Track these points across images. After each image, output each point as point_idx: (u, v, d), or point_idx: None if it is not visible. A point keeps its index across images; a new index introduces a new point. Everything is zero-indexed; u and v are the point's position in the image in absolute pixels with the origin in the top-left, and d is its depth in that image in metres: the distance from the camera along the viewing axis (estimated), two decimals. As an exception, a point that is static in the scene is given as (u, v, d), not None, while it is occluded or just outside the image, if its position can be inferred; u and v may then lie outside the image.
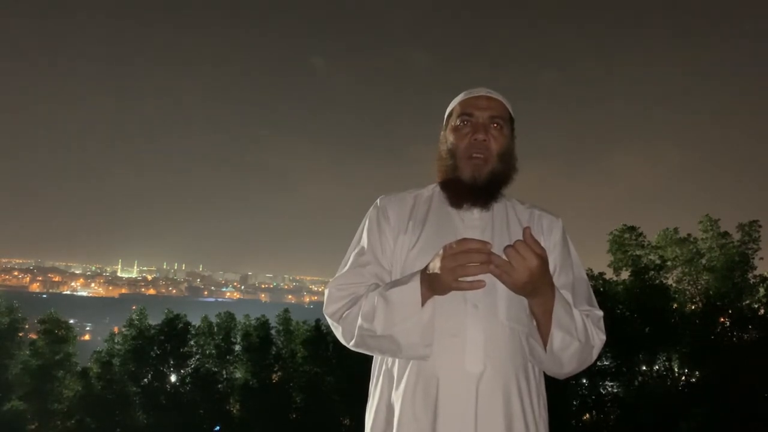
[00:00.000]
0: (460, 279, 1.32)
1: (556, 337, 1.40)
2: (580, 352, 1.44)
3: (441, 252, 1.34)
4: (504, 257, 1.30)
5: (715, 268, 21.40)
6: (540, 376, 1.53)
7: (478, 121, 1.59)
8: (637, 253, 22.23)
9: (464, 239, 1.32)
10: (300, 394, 23.13)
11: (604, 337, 1.50)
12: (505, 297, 1.46)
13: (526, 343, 1.48)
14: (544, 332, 1.42)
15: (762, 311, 21.31)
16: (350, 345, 1.52)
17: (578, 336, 1.42)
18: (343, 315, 1.51)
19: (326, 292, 1.59)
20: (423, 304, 1.39)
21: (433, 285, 1.37)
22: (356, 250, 1.62)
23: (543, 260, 1.31)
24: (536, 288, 1.34)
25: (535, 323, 1.46)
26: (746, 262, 21.30)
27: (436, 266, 1.34)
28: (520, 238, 1.32)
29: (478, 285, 1.33)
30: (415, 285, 1.40)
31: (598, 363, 19.93)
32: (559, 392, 18.21)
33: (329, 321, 1.56)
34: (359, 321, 1.46)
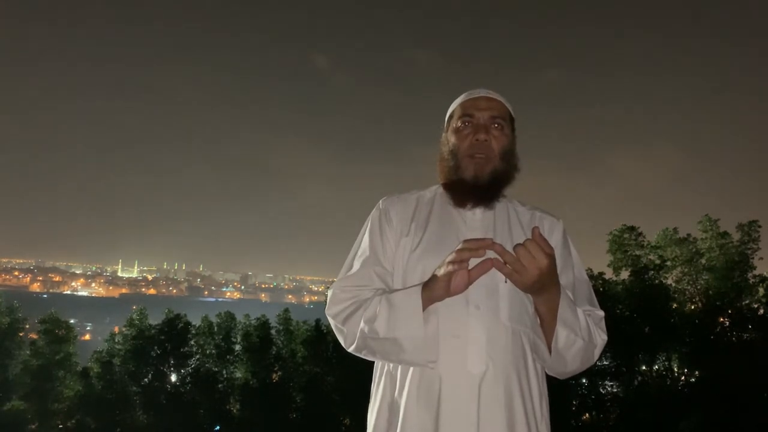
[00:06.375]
0: (470, 270, 1.35)
1: (561, 334, 1.42)
2: (584, 351, 1.45)
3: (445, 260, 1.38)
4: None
5: (714, 268, 21.45)
6: (542, 375, 1.54)
7: (478, 121, 1.61)
8: (637, 253, 22.28)
9: (466, 240, 1.36)
10: (300, 394, 23.15)
11: (605, 337, 1.52)
12: (507, 298, 1.48)
13: (528, 343, 1.49)
14: (548, 330, 1.44)
15: (762, 311, 21.35)
16: (351, 348, 1.52)
17: (582, 334, 1.44)
18: (346, 316, 1.52)
19: (330, 292, 1.60)
20: (425, 308, 1.42)
21: (435, 288, 1.40)
22: (359, 253, 1.63)
23: (552, 259, 1.33)
24: (543, 286, 1.37)
25: (539, 321, 1.48)
26: (746, 262, 21.36)
27: (439, 271, 1.39)
28: (522, 239, 1.35)
29: (487, 264, 1.35)
30: (418, 289, 1.43)
31: (598, 363, 19.92)
32: (559, 392, 18.22)
33: (331, 322, 1.57)
34: (362, 324, 1.47)
